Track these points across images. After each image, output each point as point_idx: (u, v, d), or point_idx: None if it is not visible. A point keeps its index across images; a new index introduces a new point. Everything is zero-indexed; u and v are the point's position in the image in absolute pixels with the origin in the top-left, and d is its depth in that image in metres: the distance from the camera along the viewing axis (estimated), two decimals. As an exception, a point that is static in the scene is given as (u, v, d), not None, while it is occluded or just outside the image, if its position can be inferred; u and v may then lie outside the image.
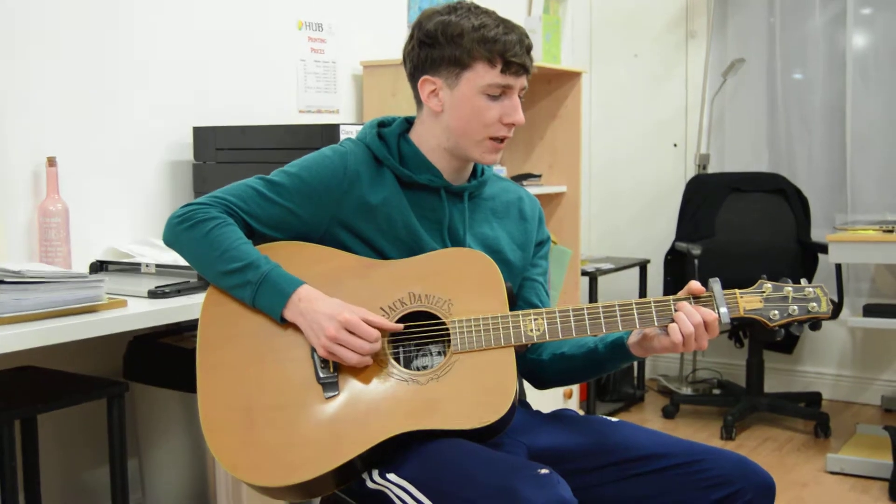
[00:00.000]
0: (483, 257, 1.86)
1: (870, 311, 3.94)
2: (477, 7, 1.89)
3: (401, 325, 1.80)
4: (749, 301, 1.82)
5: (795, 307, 1.82)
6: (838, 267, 4.35)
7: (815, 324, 1.83)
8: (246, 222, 1.88)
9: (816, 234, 4.61)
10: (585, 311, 1.80)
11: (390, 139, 1.94)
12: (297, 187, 1.88)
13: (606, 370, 1.98)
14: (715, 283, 1.82)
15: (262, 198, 1.88)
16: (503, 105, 1.87)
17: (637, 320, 1.80)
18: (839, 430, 4.34)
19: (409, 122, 1.99)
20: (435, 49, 1.87)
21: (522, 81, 1.88)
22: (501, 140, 1.90)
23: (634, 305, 1.80)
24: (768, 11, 4.95)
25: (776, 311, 1.81)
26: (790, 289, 1.83)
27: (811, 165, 4.89)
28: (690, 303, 1.79)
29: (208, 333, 1.84)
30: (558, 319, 1.80)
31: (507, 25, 1.86)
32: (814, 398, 4.68)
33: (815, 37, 4.81)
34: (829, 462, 3.83)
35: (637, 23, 5.28)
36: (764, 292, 1.83)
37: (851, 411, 4.69)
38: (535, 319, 1.80)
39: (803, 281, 1.85)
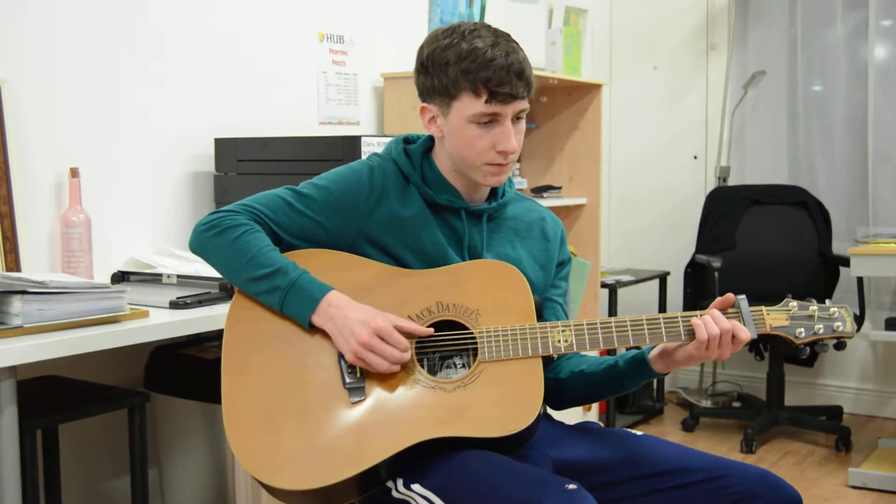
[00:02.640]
0: (511, 269, 1.86)
1: (892, 324, 3.91)
2: (476, 29, 1.83)
3: (431, 329, 1.80)
4: (775, 318, 1.83)
5: (821, 326, 1.83)
6: (860, 280, 4.33)
7: (840, 343, 1.84)
8: (273, 231, 1.88)
9: (838, 247, 4.59)
10: (613, 324, 1.81)
11: (414, 157, 1.94)
12: (325, 200, 1.88)
13: (626, 388, 1.97)
14: (742, 301, 1.83)
15: (291, 208, 1.88)
16: (494, 133, 1.83)
17: (664, 333, 1.80)
18: (861, 444, 4.30)
19: (432, 140, 1.98)
20: (428, 78, 1.86)
21: (515, 107, 1.83)
22: (500, 165, 1.87)
23: (662, 319, 1.80)
24: (789, 23, 4.93)
25: (802, 329, 1.82)
26: (815, 308, 1.84)
27: (832, 178, 4.86)
28: None
29: (234, 337, 1.83)
30: (586, 331, 1.81)
31: (498, 50, 1.80)
32: (835, 412, 4.64)
33: (837, 48, 4.78)
34: (851, 476, 3.80)
35: (657, 35, 5.28)
36: (790, 310, 1.84)
37: (873, 425, 4.66)
38: (562, 331, 1.80)
39: (828, 301, 1.86)
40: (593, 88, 4.40)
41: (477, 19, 4.28)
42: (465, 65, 1.79)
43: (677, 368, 1.90)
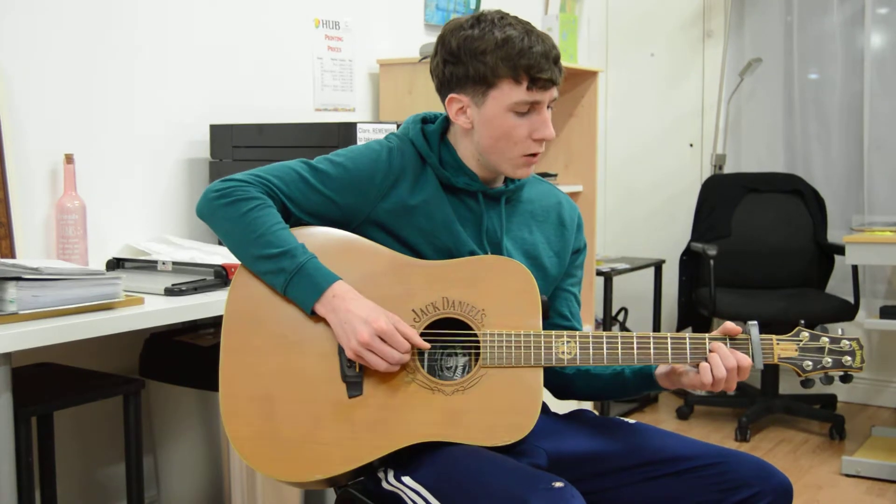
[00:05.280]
0: (522, 269, 1.82)
1: (886, 312, 3.92)
2: (502, 17, 1.83)
3: (428, 346, 1.78)
4: (784, 349, 1.80)
5: (829, 359, 1.79)
6: (855, 268, 4.33)
7: (846, 377, 1.80)
8: (285, 205, 1.85)
9: (833, 236, 4.60)
10: (619, 340, 1.78)
11: (432, 138, 1.91)
12: (341, 177, 1.85)
13: (629, 395, 1.97)
14: (753, 328, 1.79)
15: (305, 183, 1.85)
16: (532, 121, 1.82)
17: (670, 355, 1.78)
18: (854, 432, 4.32)
19: (449, 121, 1.94)
20: (459, 67, 1.82)
21: (552, 94, 1.83)
22: (534, 155, 1.86)
23: (669, 339, 1.78)
24: (785, 11, 4.93)
25: (810, 362, 1.79)
26: (827, 339, 1.81)
27: (828, 166, 4.86)
28: (726, 344, 1.78)
29: (235, 316, 1.82)
30: (591, 345, 1.78)
31: (533, 37, 1.80)
32: (829, 400, 4.66)
33: (833, 36, 4.78)
34: (845, 465, 3.81)
35: (653, 22, 5.27)
36: (801, 340, 1.81)
37: (867, 414, 4.67)
38: (567, 342, 1.78)
39: (840, 330, 1.83)
40: (589, 75, 4.39)
41: (473, 6, 4.27)
42: (504, 52, 1.77)
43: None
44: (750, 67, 4.84)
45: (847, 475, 3.79)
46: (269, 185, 1.85)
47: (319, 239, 1.84)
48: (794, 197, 4.66)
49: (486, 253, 1.89)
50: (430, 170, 1.89)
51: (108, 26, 2.88)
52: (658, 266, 4.97)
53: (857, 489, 3.67)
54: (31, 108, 2.70)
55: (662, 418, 4.64)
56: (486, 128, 1.83)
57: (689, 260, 4.72)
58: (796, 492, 2.73)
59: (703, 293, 4.46)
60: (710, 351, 1.77)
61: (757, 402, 4.44)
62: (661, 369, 1.86)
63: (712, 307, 4.24)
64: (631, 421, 1.96)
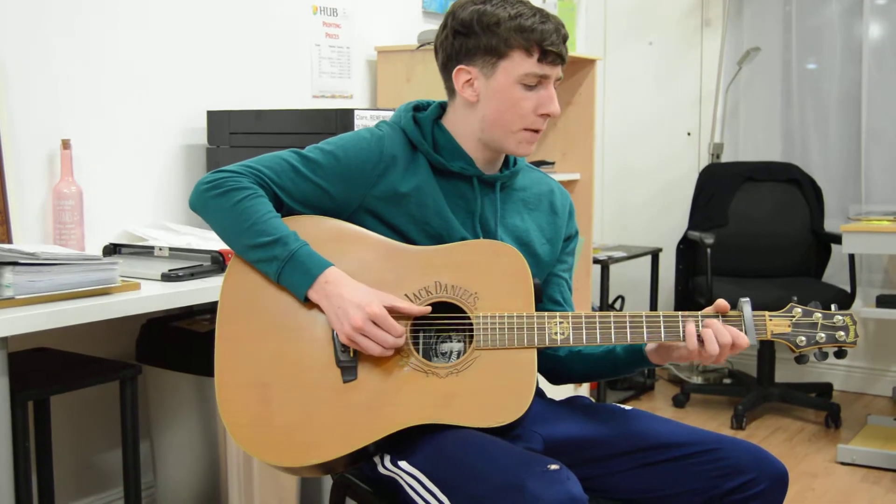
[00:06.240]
0: (514, 252, 1.83)
1: (883, 301, 3.92)
2: None
3: (428, 308, 1.78)
4: (777, 325, 1.81)
5: (823, 335, 1.80)
6: (851, 257, 4.34)
7: (841, 352, 1.81)
8: (276, 195, 1.85)
9: (830, 225, 4.60)
10: (612, 319, 1.79)
11: (425, 124, 1.91)
12: (331, 165, 1.85)
13: (621, 373, 1.98)
14: (745, 305, 1.80)
15: (296, 173, 1.85)
16: (539, 95, 1.84)
17: (663, 334, 1.79)
18: (850, 420, 4.33)
19: (443, 108, 1.95)
20: (470, 38, 1.83)
21: (558, 71, 1.85)
22: (536, 131, 1.87)
23: (662, 318, 1.79)
24: (784, 0, 4.92)
25: (803, 338, 1.80)
26: (819, 315, 1.81)
27: (825, 155, 4.86)
28: (719, 321, 1.78)
29: (229, 305, 1.82)
30: (584, 325, 1.79)
31: (543, 14, 1.83)
32: (825, 389, 4.67)
33: (832, 26, 4.78)
34: (840, 453, 3.82)
35: (652, 10, 5.26)
36: (793, 317, 1.81)
37: (863, 402, 4.68)
38: (560, 322, 1.78)
39: (833, 307, 1.84)
40: (587, 63, 4.39)
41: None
42: (517, 23, 1.80)
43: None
44: (748, 56, 4.84)
45: (842, 463, 3.80)
46: (261, 175, 1.85)
47: (311, 226, 1.85)
48: (791, 186, 4.66)
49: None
50: (421, 157, 1.89)
51: (105, 12, 2.87)
52: (655, 254, 4.97)
53: (852, 477, 3.68)
54: (27, 94, 2.69)
55: (658, 406, 4.65)
56: (494, 100, 1.84)
57: (686, 248, 4.72)
58: (792, 480, 2.75)
59: (699, 282, 4.46)
60: (704, 327, 1.77)
61: (753, 391, 4.44)
62: (650, 346, 1.86)
63: (709, 296, 4.24)
64: (627, 407, 1.96)
